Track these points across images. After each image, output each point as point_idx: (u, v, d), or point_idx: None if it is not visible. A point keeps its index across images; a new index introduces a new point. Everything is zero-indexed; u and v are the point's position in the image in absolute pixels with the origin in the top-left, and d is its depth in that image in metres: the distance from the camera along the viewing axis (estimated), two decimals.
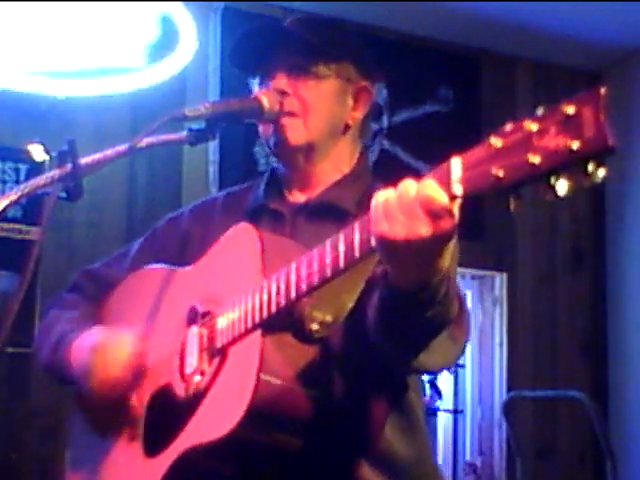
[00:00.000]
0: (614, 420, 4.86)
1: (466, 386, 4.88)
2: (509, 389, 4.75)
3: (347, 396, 1.53)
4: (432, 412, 4.62)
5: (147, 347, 1.68)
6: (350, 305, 1.49)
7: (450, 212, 1.17)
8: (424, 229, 1.18)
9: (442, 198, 1.15)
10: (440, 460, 4.76)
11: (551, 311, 4.99)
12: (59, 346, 1.75)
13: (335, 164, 1.73)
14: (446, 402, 4.72)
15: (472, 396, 4.89)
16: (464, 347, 1.50)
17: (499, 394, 4.79)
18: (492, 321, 4.86)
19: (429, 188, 1.16)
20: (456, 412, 4.74)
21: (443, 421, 4.83)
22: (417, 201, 1.17)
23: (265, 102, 1.65)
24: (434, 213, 1.17)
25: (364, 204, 1.63)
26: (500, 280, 4.89)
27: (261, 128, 1.73)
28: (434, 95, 4.84)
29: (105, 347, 1.66)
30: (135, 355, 1.66)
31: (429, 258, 1.23)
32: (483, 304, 4.90)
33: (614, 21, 4.66)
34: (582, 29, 4.76)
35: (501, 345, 4.84)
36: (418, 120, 4.78)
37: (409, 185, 1.20)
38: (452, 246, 1.25)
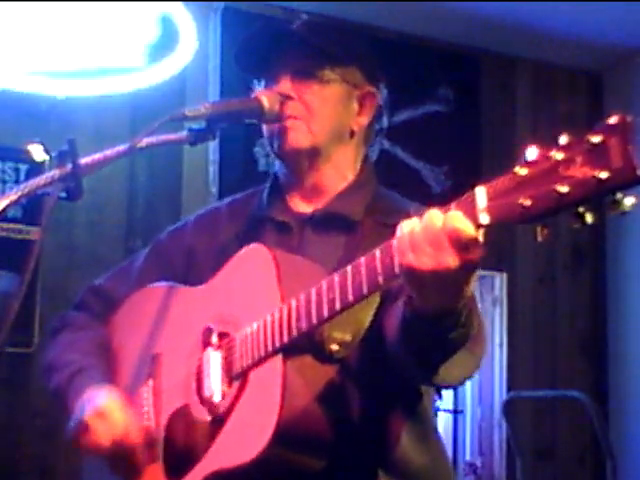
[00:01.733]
0: (614, 420, 4.86)
1: (466, 386, 4.87)
2: (509, 389, 4.75)
3: (365, 412, 1.53)
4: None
5: (160, 369, 1.68)
6: (367, 323, 1.50)
7: (477, 242, 1.17)
8: (451, 260, 1.18)
9: (469, 230, 1.16)
10: None
11: (551, 311, 4.99)
12: (72, 383, 1.72)
13: (339, 170, 1.71)
14: (446, 402, 4.72)
15: (472, 396, 4.88)
16: (481, 359, 1.50)
17: (499, 394, 4.79)
18: (492, 321, 4.86)
19: (456, 220, 1.16)
20: (456, 412, 4.74)
21: (443, 421, 4.83)
22: (444, 233, 1.17)
23: (265, 102, 1.64)
24: (461, 245, 1.17)
25: (371, 212, 1.64)
26: (500, 280, 4.89)
27: (265, 129, 1.72)
28: (434, 95, 4.84)
29: (108, 415, 1.63)
30: (128, 433, 1.63)
31: (455, 287, 1.24)
32: (483, 304, 4.89)
33: (614, 21, 4.65)
34: (582, 29, 4.75)
35: (501, 345, 4.84)
36: (418, 120, 4.78)
37: (435, 216, 1.20)
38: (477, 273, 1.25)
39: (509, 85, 5.07)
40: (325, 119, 1.67)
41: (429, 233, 1.19)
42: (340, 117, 1.69)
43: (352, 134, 1.71)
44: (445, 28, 4.77)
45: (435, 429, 1.68)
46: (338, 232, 1.62)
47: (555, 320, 4.99)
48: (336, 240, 1.54)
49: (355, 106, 1.71)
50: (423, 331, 1.31)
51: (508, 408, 4.32)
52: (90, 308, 1.87)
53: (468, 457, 4.85)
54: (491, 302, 4.88)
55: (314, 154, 1.68)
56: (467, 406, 4.88)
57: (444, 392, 4.75)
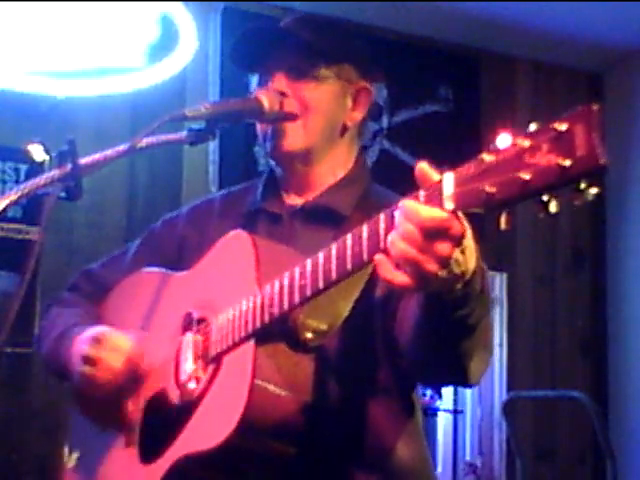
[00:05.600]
0: (614, 420, 4.86)
1: None
2: (509, 389, 4.75)
3: (343, 402, 1.53)
4: (432, 412, 4.62)
5: (144, 351, 1.68)
6: (345, 313, 1.49)
7: (450, 221, 1.15)
8: (446, 249, 1.17)
9: (438, 216, 1.14)
10: (440, 460, 4.77)
11: (551, 311, 4.99)
12: (61, 339, 1.75)
13: (332, 166, 1.72)
14: (446, 402, 4.72)
15: (472, 396, 4.88)
16: (492, 355, 1.49)
17: (499, 394, 4.79)
18: (492, 321, 4.85)
19: (422, 212, 1.15)
20: (456, 412, 4.74)
21: (443, 421, 4.83)
22: (421, 232, 1.15)
23: (265, 102, 1.64)
24: (437, 233, 1.15)
25: (361, 207, 1.64)
26: (500, 280, 4.89)
27: (258, 129, 1.72)
28: (434, 95, 4.84)
29: (107, 338, 1.66)
30: (136, 350, 1.65)
31: (453, 265, 1.21)
32: None
33: (614, 21, 4.65)
34: (582, 29, 4.75)
35: (501, 345, 4.84)
36: (418, 120, 4.78)
37: (408, 225, 1.17)
38: (471, 249, 1.23)
39: (509, 85, 5.08)
40: (321, 116, 1.68)
41: (411, 241, 1.16)
42: (335, 114, 1.70)
43: (345, 130, 1.72)
44: (445, 28, 4.77)
45: (421, 427, 1.67)
46: (327, 225, 1.62)
47: (555, 320, 4.99)
48: (324, 233, 1.53)
49: (349, 102, 1.72)
50: (443, 310, 1.29)
51: (508, 408, 4.32)
52: (81, 290, 1.91)
53: (468, 457, 4.85)
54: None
55: (308, 153, 1.69)
56: (467, 406, 4.88)
57: (444, 392, 4.71)
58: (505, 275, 4.89)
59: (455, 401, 4.77)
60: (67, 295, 1.93)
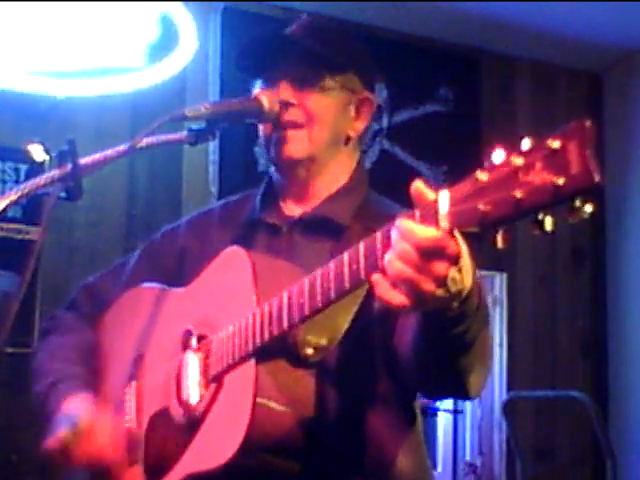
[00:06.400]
0: (614, 420, 4.86)
1: None
2: (509, 389, 4.75)
3: (344, 418, 1.53)
4: (432, 412, 4.62)
5: (143, 370, 1.69)
6: (345, 327, 1.49)
7: (445, 240, 1.15)
8: (442, 269, 1.17)
9: (432, 236, 1.14)
10: (440, 460, 4.77)
11: (551, 311, 4.99)
12: (53, 389, 1.72)
13: (334, 175, 1.71)
14: (446, 402, 4.71)
15: None
16: (490, 371, 1.49)
17: (499, 394, 4.79)
18: (492, 321, 4.86)
19: (418, 232, 1.15)
20: (456, 412, 4.73)
21: (443, 421, 4.83)
22: (417, 251, 1.15)
23: (265, 102, 1.64)
24: (434, 252, 1.15)
25: (360, 217, 1.64)
26: (500, 280, 4.89)
27: (261, 134, 1.72)
28: (434, 95, 4.84)
29: (79, 432, 1.62)
30: (112, 442, 1.63)
31: (451, 288, 1.21)
32: None
33: (614, 21, 4.65)
34: (582, 29, 4.75)
35: (501, 345, 4.84)
36: (418, 120, 4.78)
37: (404, 248, 1.17)
38: (467, 267, 1.23)
39: (509, 85, 5.07)
40: (325, 127, 1.67)
41: (408, 261, 1.16)
42: (338, 124, 1.70)
43: (348, 140, 1.72)
44: (445, 28, 4.77)
45: (421, 437, 1.67)
46: (325, 236, 1.62)
47: (555, 320, 4.99)
48: (323, 244, 1.54)
49: (352, 112, 1.72)
50: (440, 327, 1.29)
51: (508, 408, 4.32)
52: (80, 308, 1.89)
53: (468, 457, 4.85)
54: (491, 302, 4.88)
55: (311, 162, 1.68)
56: (467, 406, 4.88)
57: None
58: (505, 275, 4.89)
59: (455, 401, 4.76)
60: (65, 317, 1.89)
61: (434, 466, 4.70)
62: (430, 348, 1.36)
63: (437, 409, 4.68)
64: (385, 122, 4.70)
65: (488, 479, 4.79)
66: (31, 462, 3.85)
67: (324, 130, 1.67)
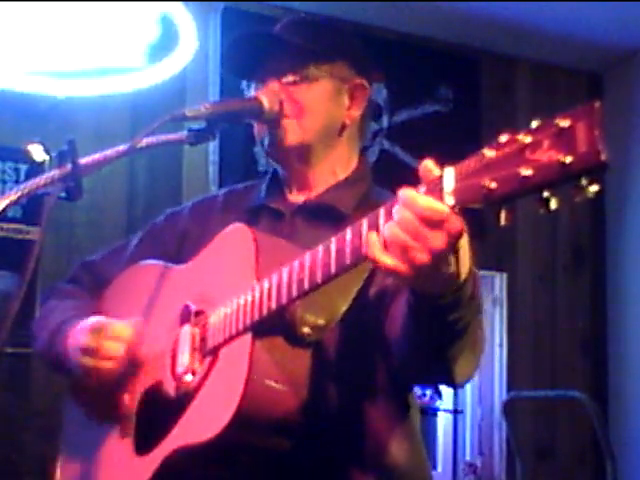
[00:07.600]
0: (614, 420, 4.86)
1: (466, 386, 4.88)
2: (509, 389, 4.75)
3: (340, 398, 1.53)
4: (432, 412, 4.62)
5: (143, 338, 1.68)
6: (344, 308, 1.50)
7: (450, 215, 1.15)
8: (439, 241, 1.16)
9: (440, 209, 1.14)
10: (440, 460, 4.77)
11: (551, 311, 4.99)
12: (56, 333, 1.74)
13: (333, 165, 1.72)
14: (446, 402, 4.72)
15: (472, 396, 4.88)
16: (480, 359, 1.49)
17: (499, 394, 4.79)
18: (492, 321, 4.86)
19: (420, 201, 1.15)
20: (456, 412, 4.73)
21: (443, 421, 4.83)
22: (417, 219, 1.16)
23: (265, 102, 1.65)
24: (437, 224, 1.15)
25: (362, 207, 1.64)
26: (500, 280, 4.89)
27: (255, 127, 1.73)
28: (434, 95, 4.84)
29: (106, 327, 1.65)
30: (136, 337, 1.65)
31: (445, 264, 1.21)
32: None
33: (614, 21, 4.65)
34: (582, 29, 4.75)
35: (501, 345, 4.84)
36: (418, 120, 4.78)
37: (405, 213, 1.17)
38: (465, 252, 1.23)
39: (509, 85, 5.08)
40: (316, 116, 1.68)
41: (407, 228, 1.16)
42: (331, 113, 1.70)
43: (344, 129, 1.72)
44: (445, 28, 4.77)
45: (417, 429, 1.67)
46: (327, 224, 1.62)
47: (555, 320, 4.99)
48: (325, 231, 1.54)
49: (346, 100, 1.72)
50: (432, 313, 1.29)
51: (508, 408, 4.32)
52: (80, 282, 1.90)
53: (468, 457, 4.85)
54: (491, 302, 4.88)
55: (305, 151, 1.69)
56: (467, 406, 4.88)
57: (444, 392, 4.73)
58: (505, 275, 4.89)
59: (455, 401, 4.77)
60: (65, 286, 1.92)
61: (434, 466, 4.70)
62: (418, 333, 1.36)
63: (437, 409, 4.68)
64: (385, 122, 4.70)
65: (488, 479, 4.80)
66: (31, 462, 3.85)
67: (316, 119, 1.68)
